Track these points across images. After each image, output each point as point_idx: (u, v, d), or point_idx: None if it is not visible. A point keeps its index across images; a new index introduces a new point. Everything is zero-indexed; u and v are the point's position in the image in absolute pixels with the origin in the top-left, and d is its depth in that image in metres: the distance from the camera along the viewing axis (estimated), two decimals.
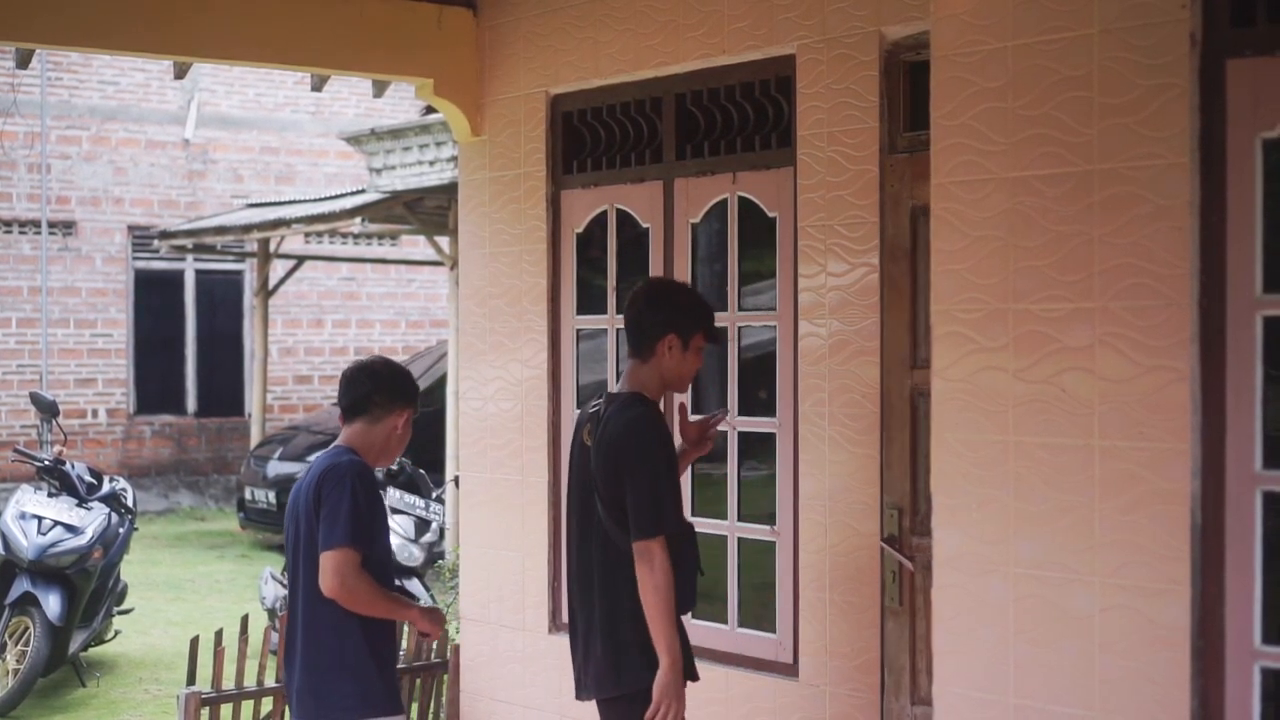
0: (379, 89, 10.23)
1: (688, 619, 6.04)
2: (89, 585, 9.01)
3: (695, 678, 4.88)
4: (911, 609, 5.23)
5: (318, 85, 9.45)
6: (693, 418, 5.21)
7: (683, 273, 6.10)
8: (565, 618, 6.57)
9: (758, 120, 5.87)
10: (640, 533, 4.63)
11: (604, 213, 6.47)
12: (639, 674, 4.68)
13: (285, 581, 9.90)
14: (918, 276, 5.20)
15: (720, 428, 5.97)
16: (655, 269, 6.19)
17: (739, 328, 5.97)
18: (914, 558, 5.20)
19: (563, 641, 6.45)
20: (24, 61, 8.37)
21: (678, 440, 5.09)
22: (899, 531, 5.26)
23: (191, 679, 6.50)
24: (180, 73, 8.85)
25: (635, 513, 4.64)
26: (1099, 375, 4.12)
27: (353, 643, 4.76)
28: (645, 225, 6.27)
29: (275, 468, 14.55)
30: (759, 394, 6.00)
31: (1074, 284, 4.16)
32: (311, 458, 14.24)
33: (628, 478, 4.66)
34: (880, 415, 5.27)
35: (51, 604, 8.75)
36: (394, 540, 9.48)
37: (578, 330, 6.61)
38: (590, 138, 6.56)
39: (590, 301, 6.57)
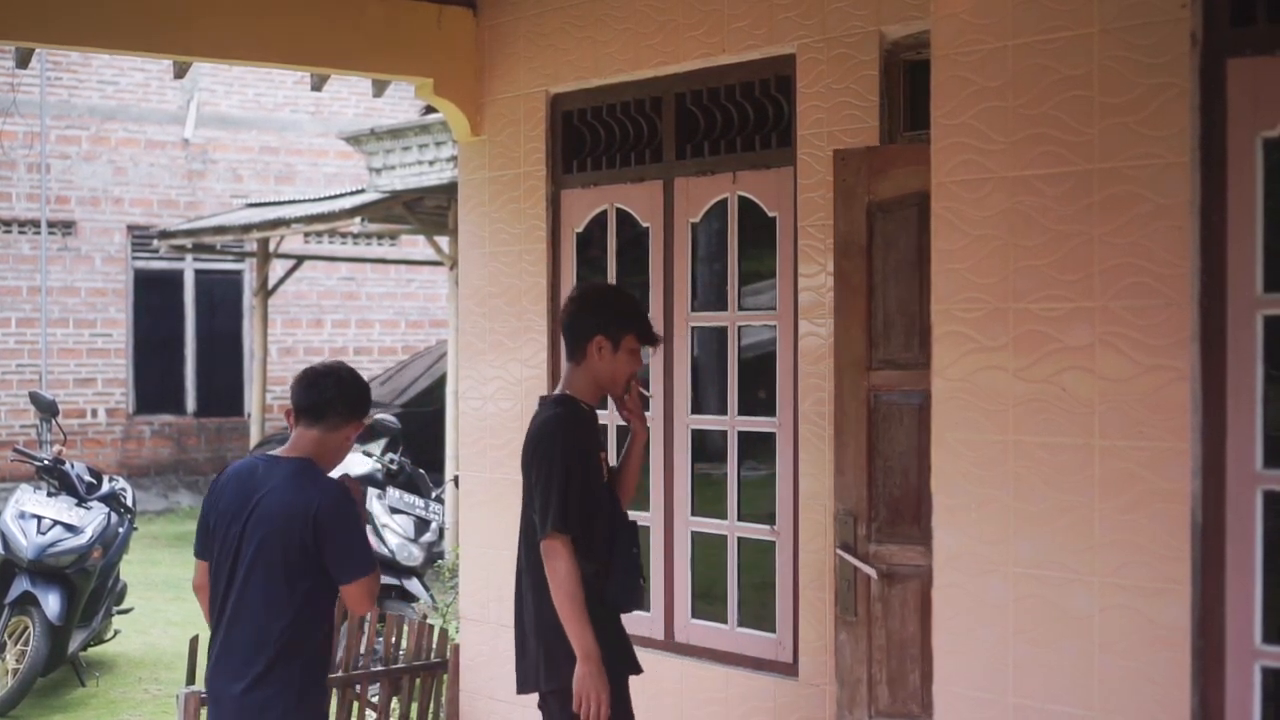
0: (379, 89, 10.24)
1: (688, 620, 6.06)
2: (88, 585, 9.01)
3: (637, 670, 4.95)
4: (868, 618, 5.15)
5: (317, 85, 9.46)
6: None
7: (683, 272, 6.11)
8: None
9: (758, 120, 5.87)
10: (541, 530, 4.75)
11: (604, 212, 6.47)
12: (567, 669, 4.74)
13: None
14: (874, 274, 5.13)
15: (718, 427, 5.98)
16: (655, 269, 6.19)
17: (739, 327, 5.98)
18: (871, 565, 5.13)
19: None
20: (24, 61, 8.37)
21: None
22: (853, 539, 5.16)
23: (191, 678, 6.49)
24: (180, 72, 8.86)
25: (539, 511, 4.76)
26: (1099, 375, 4.12)
27: (308, 659, 4.75)
28: (645, 225, 6.27)
29: None
30: (759, 394, 6.00)
31: (1074, 283, 4.16)
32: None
33: (534, 476, 4.79)
34: (835, 418, 5.20)
35: (51, 603, 8.75)
36: (394, 540, 9.50)
37: None
38: (590, 137, 6.55)
39: None
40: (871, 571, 5.10)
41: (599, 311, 4.90)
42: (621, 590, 4.87)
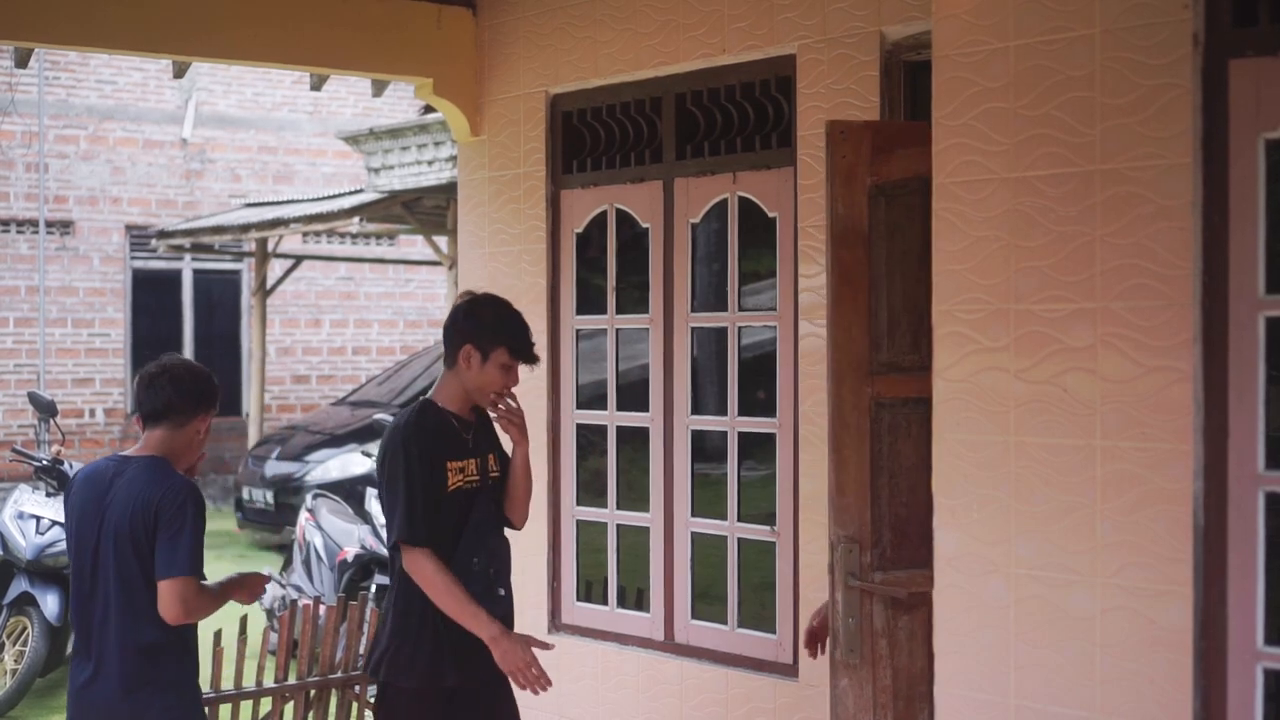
0: (378, 89, 10.24)
1: (688, 621, 6.05)
2: None
3: (467, 683, 4.89)
4: (873, 658, 4.69)
5: (317, 85, 9.45)
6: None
7: (683, 273, 6.10)
8: (564, 618, 6.57)
9: (758, 120, 5.86)
10: (389, 540, 4.82)
11: (604, 213, 6.46)
12: (403, 667, 4.81)
13: (285, 583, 9.90)
14: (875, 266, 4.71)
15: (718, 427, 5.97)
16: (655, 269, 6.19)
17: (739, 328, 5.97)
18: (873, 595, 4.71)
19: (563, 641, 6.45)
20: (23, 61, 8.37)
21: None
22: (858, 569, 4.64)
23: None
24: (179, 72, 8.85)
25: (389, 521, 4.80)
26: (1101, 376, 4.11)
27: (180, 657, 4.70)
28: (645, 225, 6.26)
29: (273, 467, 14.53)
30: (758, 394, 6.00)
31: (1076, 284, 4.15)
32: (310, 457, 14.33)
33: (382, 484, 4.83)
34: (830, 431, 4.71)
35: (49, 604, 8.75)
36: None
37: (577, 330, 6.61)
38: (590, 137, 6.55)
39: (590, 301, 6.56)
40: (879, 605, 4.65)
41: (475, 321, 4.88)
42: (477, 599, 4.78)
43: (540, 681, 4.74)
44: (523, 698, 5.01)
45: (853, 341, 4.69)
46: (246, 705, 6.68)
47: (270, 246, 16.58)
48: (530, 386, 6.64)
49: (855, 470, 4.67)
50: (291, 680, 6.78)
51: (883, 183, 4.69)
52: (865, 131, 4.69)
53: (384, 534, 9.44)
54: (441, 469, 4.81)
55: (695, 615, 6.09)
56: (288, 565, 10.38)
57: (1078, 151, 4.16)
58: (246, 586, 4.92)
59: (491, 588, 4.86)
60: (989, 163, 4.33)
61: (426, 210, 13.92)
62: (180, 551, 4.55)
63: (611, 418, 6.46)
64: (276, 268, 17.38)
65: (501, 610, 4.87)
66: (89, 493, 4.72)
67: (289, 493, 14.08)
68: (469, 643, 4.78)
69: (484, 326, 4.87)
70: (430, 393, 5.00)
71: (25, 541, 8.89)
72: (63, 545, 8.84)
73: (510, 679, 4.79)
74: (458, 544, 4.83)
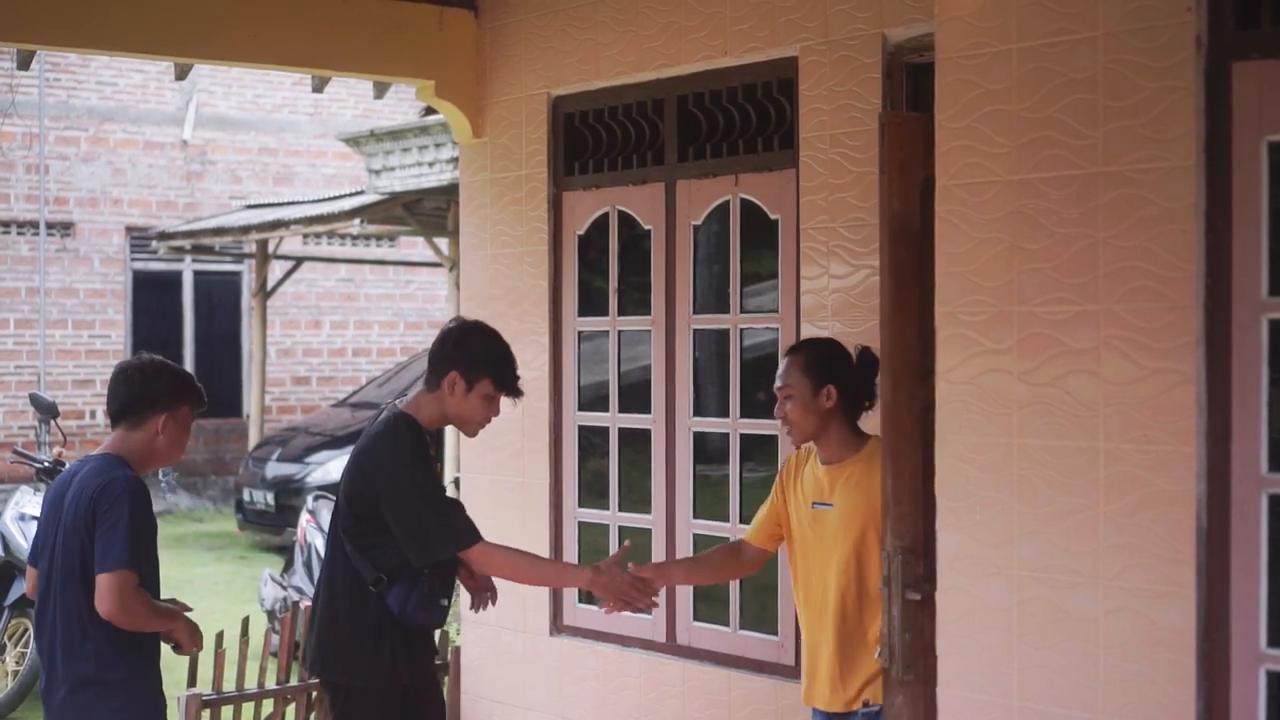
0: (380, 90, 10.23)
1: (690, 622, 6.05)
2: None
3: (424, 684, 4.98)
4: (926, 674, 4.51)
5: (318, 87, 9.44)
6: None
7: (684, 274, 6.10)
8: (566, 619, 6.57)
9: (760, 122, 5.86)
10: (448, 551, 4.80)
11: (605, 214, 6.46)
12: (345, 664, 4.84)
13: (284, 583, 9.89)
14: (925, 265, 4.52)
15: (720, 429, 5.97)
16: (657, 271, 6.19)
17: (740, 330, 5.97)
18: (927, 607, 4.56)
19: (564, 643, 6.46)
20: (25, 63, 8.37)
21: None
22: (913, 580, 4.52)
23: (192, 681, 6.49)
24: (182, 74, 8.85)
25: (419, 539, 4.73)
26: (1103, 378, 4.11)
27: (130, 659, 4.63)
28: (647, 227, 6.26)
29: (273, 469, 14.53)
30: (759, 396, 6.00)
31: (1079, 286, 4.15)
32: (311, 459, 14.33)
33: (391, 495, 4.73)
34: (884, 436, 4.61)
35: None
36: None
37: (579, 332, 6.61)
38: (592, 139, 6.55)
39: (591, 303, 6.57)
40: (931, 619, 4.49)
41: (463, 350, 4.88)
42: (418, 608, 4.78)
43: (644, 599, 4.94)
44: (528, 700, 5.02)
45: (908, 343, 4.58)
46: (248, 707, 6.68)
47: (271, 248, 16.57)
48: (532, 388, 6.64)
49: (910, 478, 4.55)
50: (293, 682, 6.78)
51: (932, 178, 4.51)
52: (920, 124, 4.58)
53: None
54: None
55: (697, 617, 6.09)
56: (289, 567, 10.37)
57: (1080, 154, 4.16)
58: (189, 632, 4.78)
59: (434, 598, 4.81)
60: (992, 165, 4.33)
61: (427, 212, 13.91)
62: (115, 545, 4.49)
63: (613, 419, 6.46)
64: (277, 269, 17.38)
65: (442, 618, 4.87)
66: (53, 495, 4.76)
67: (290, 494, 14.07)
68: (418, 640, 4.87)
69: (472, 356, 4.88)
70: (404, 406, 4.96)
71: (26, 543, 8.87)
72: None
73: (613, 604, 4.94)
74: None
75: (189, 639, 4.80)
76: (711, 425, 6.11)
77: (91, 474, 4.67)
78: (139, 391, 4.76)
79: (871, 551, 4.66)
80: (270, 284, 16.92)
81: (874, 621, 4.67)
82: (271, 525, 14.50)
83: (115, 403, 4.79)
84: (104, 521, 4.53)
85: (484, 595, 5.15)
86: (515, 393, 4.95)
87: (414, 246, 18.62)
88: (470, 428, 4.99)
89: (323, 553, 9.84)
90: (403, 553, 4.72)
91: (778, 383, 4.81)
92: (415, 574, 4.74)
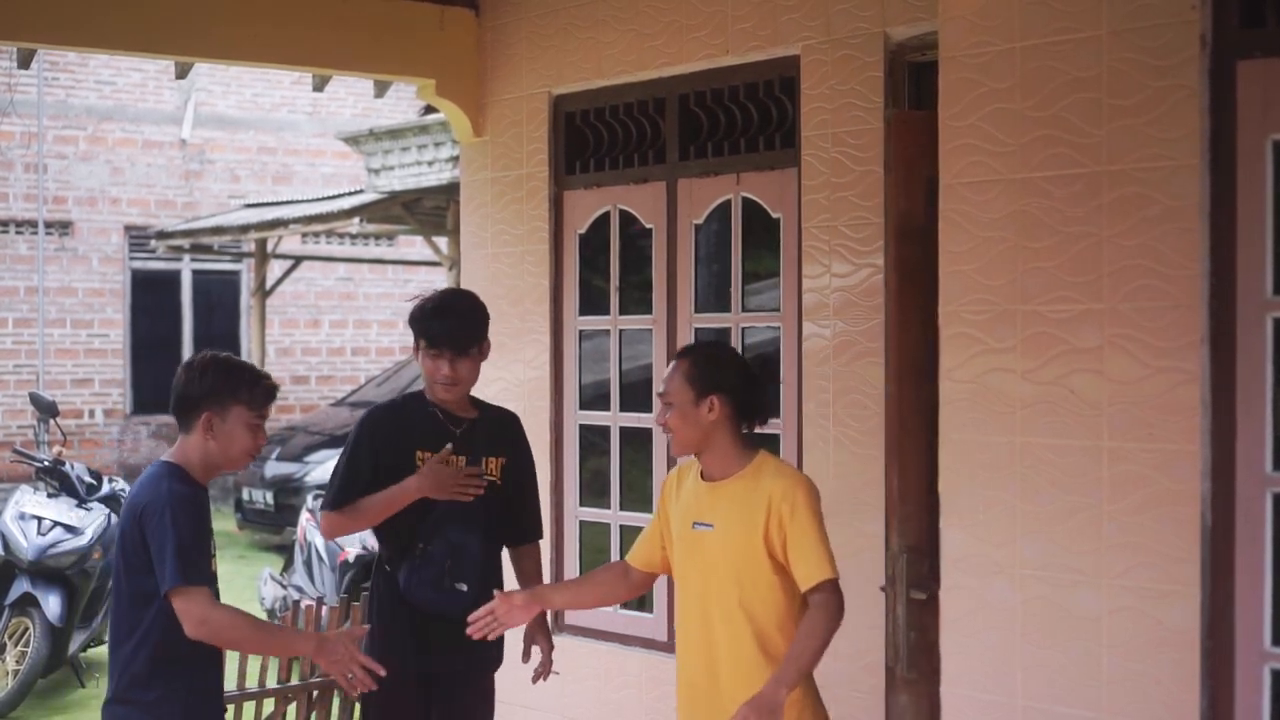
0: (380, 89, 10.23)
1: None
2: (89, 586, 8.99)
3: (421, 668, 4.96)
4: (930, 672, 4.51)
5: (319, 85, 9.45)
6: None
7: (686, 273, 6.10)
8: (568, 618, 6.57)
9: (761, 121, 5.86)
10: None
11: (607, 213, 6.46)
12: None
13: (284, 582, 9.89)
14: (932, 264, 4.51)
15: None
16: (658, 270, 6.19)
17: (742, 328, 5.97)
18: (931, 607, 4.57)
19: (565, 642, 6.44)
20: (25, 62, 8.36)
21: None
22: (918, 579, 4.53)
23: None
24: (181, 73, 8.85)
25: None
26: (1108, 377, 4.11)
27: (171, 672, 4.38)
28: (648, 226, 6.26)
29: (272, 468, 14.52)
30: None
31: (1083, 285, 4.15)
32: (310, 458, 14.33)
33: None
34: (889, 435, 4.67)
35: (51, 605, 8.74)
36: None
37: (580, 331, 6.60)
38: (593, 138, 6.55)
39: (592, 302, 6.56)
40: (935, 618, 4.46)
41: (413, 322, 5.15)
42: (417, 587, 4.85)
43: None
44: (529, 700, 5.02)
45: (913, 342, 4.55)
46: (249, 706, 6.67)
47: (269, 247, 16.57)
48: (533, 387, 6.64)
49: (915, 477, 4.52)
50: (294, 681, 6.77)
51: (935, 177, 4.52)
52: (927, 123, 4.51)
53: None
54: (407, 455, 4.93)
55: None
56: (289, 566, 10.37)
57: (1085, 152, 4.16)
58: (327, 652, 4.45)
59: (442, 579, 4.83)
60: (995, 164, 4.33)
61: (426, 211, 13.91)
62: (166, 565, 4.25)
63: (614, 418, 6.46)
64: (276, 268, 17.37)
65: (458, 604, 4.79)
66: (127, 498, 4.58)
67: (289, 493, 14.07)
68: (439, 629, 4.84)
69: (413, 323, 5.21)
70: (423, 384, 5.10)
71: (27, 542, 8.88)
72: (64, 546, 8.88)
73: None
74: (415, 530, 4.86)
75: (334, 661, 4.42)
76: None
77: (140, 486, 4.43)
78: (181, 391, 4.42)
79: (756, 578, 4.13)
80: (269, 283, 16.92)
81: (760, 658, 4.16)
82: (271, 524, 14.50)
83: (170, 405, 4.49)
84: (154, 541, 4.27)
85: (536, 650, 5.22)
86: (442, 344, 5.12)
87: (413, 245, 18.61)
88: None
89: (323, 552, 9.87)
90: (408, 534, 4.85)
91: (659, 388, 4.33)
92: (413, 548, 4.81)
